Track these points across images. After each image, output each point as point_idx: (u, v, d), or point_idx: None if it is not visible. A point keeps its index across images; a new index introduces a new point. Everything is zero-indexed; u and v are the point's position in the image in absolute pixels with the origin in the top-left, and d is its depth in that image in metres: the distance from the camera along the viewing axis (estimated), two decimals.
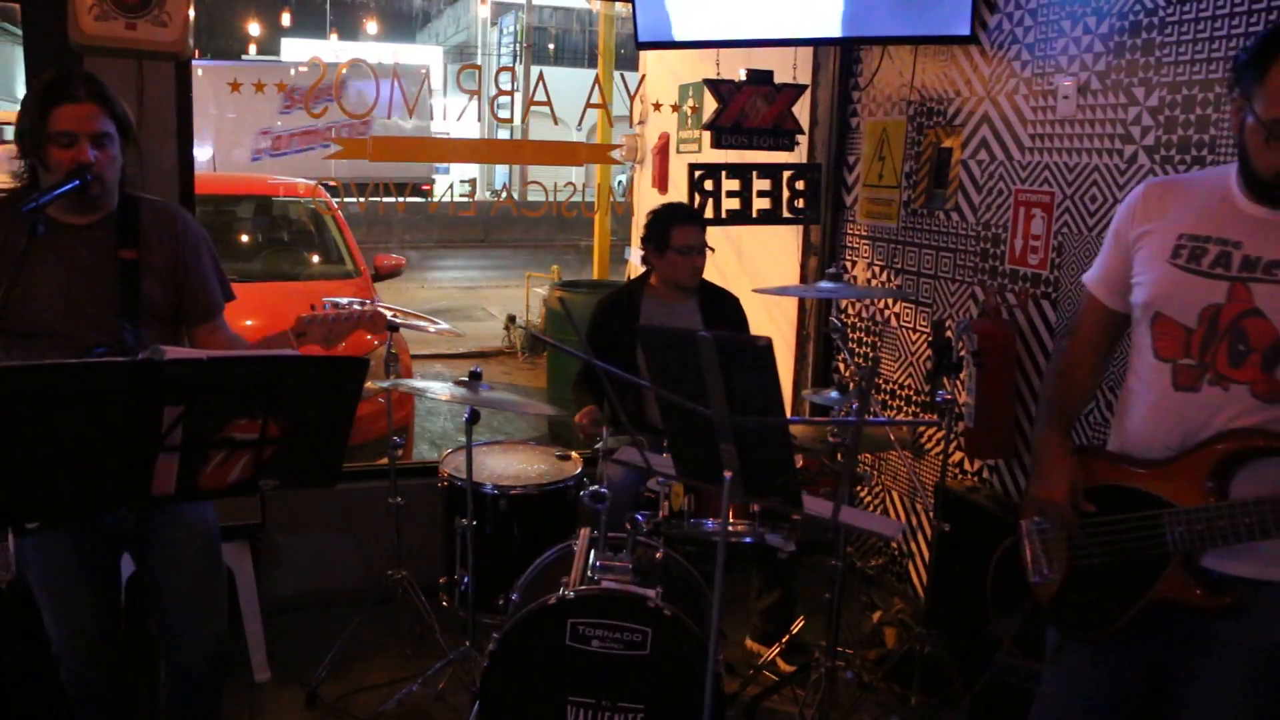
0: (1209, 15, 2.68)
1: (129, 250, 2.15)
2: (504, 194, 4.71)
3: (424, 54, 23.78)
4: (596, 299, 3.68)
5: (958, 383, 3.41)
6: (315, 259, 6.31)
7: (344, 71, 3.68)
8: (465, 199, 4.33)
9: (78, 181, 2.00)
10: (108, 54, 2.97)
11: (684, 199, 3.92)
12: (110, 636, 2.22)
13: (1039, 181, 3.25)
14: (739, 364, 1.77)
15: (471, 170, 18.18)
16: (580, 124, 4.33)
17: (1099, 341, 1.98)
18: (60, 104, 2.02)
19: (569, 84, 5.59)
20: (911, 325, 3.89)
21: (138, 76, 3.12)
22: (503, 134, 17.12)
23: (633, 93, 4.75)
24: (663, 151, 5.98)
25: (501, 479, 3.15)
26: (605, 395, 3.03)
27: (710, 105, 3.99)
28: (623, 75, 5.15)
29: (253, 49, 18.46)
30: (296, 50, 20.98)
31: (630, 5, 3.78)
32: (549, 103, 3.88)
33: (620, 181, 13.97)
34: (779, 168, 4.06)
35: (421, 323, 3.26)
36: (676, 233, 3.34)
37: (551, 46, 24.90)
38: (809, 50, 4.18)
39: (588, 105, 4.13)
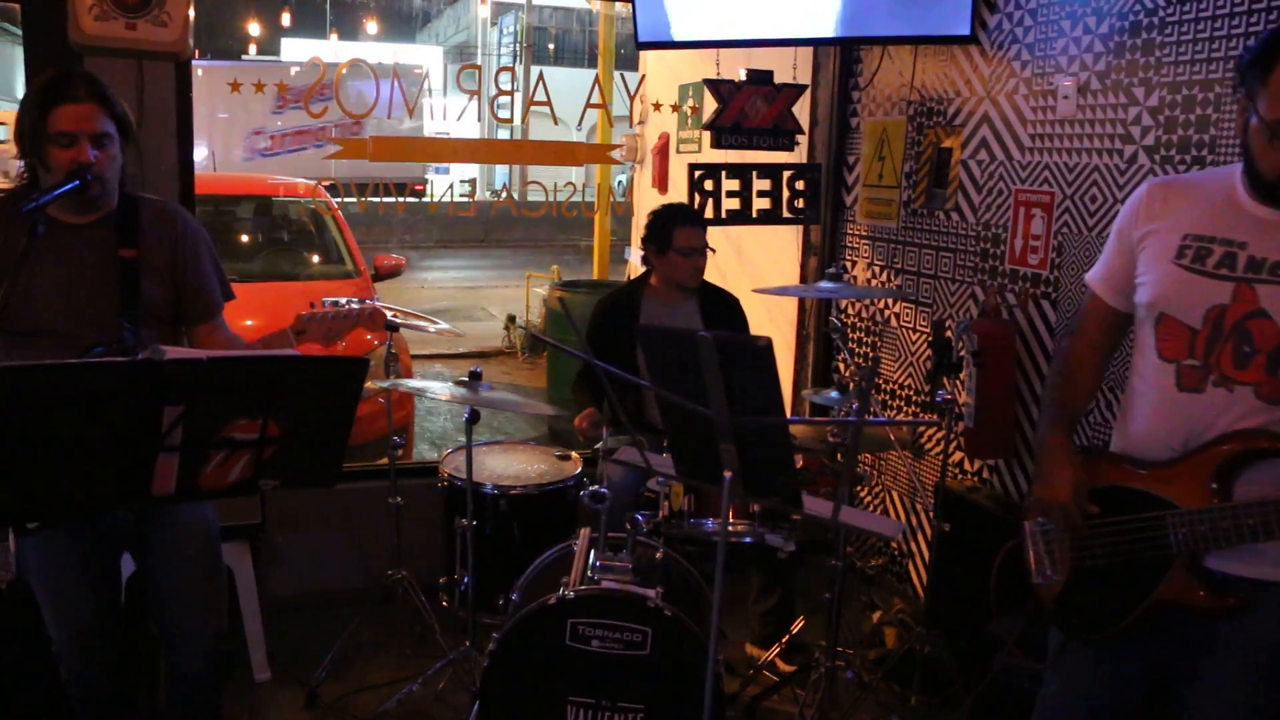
0: (1209, 15, 2.68)
1: (129, 250, 2.15)
2: (504, 194, 4.70)
3: (424, 54, 23.78)
4: (596, 299, 3.68)
5: (958, 383, 3.41)
6: (315, 259, 6.31)
7: (343, 72, 3.68)
8: (465, 199, 4.33)
9: (78, 181, 2.00)
10: (108, 54, 2.97)
11: (684, 199, 3.92)
12: (110, 636, 2.22)
13: (1039, 181, 3.25)
14: (739, 364, 1.77)
15: (471, 170, 18.18)
16: (580, 124, 4.33)
17: (1102, 341, 1.98)
18: (60, 104, 2.02)
19: (569, 84, 5.59)
20: (911, 325, 3.89)
21: (138, 76, 3.12)
22: (503, 134, 17.11)
23: (633, 93, 4.75)
24: (663, 151, 5.98)
25: (501, 479, 3.15)
26: (605, 395, 3.03)
27: (710, 105, 3.99)
28: (623, 75, 5.15)
29: (253, 49, 18.46)
30: (296, 50, 20.97)
31: (630, 5, 3.78)
32: (549, 103, 3.88)
33: (620, 181, 13.97)
34: (779, 168, 4.06)
35: (421, 323, 3.25)
36: (678, 234, 3.34)
37: (551, 46, 24.90)
38: (809, 50, 4.18)
39: (588, 105, 4.13)
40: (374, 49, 19.92)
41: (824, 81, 4.24)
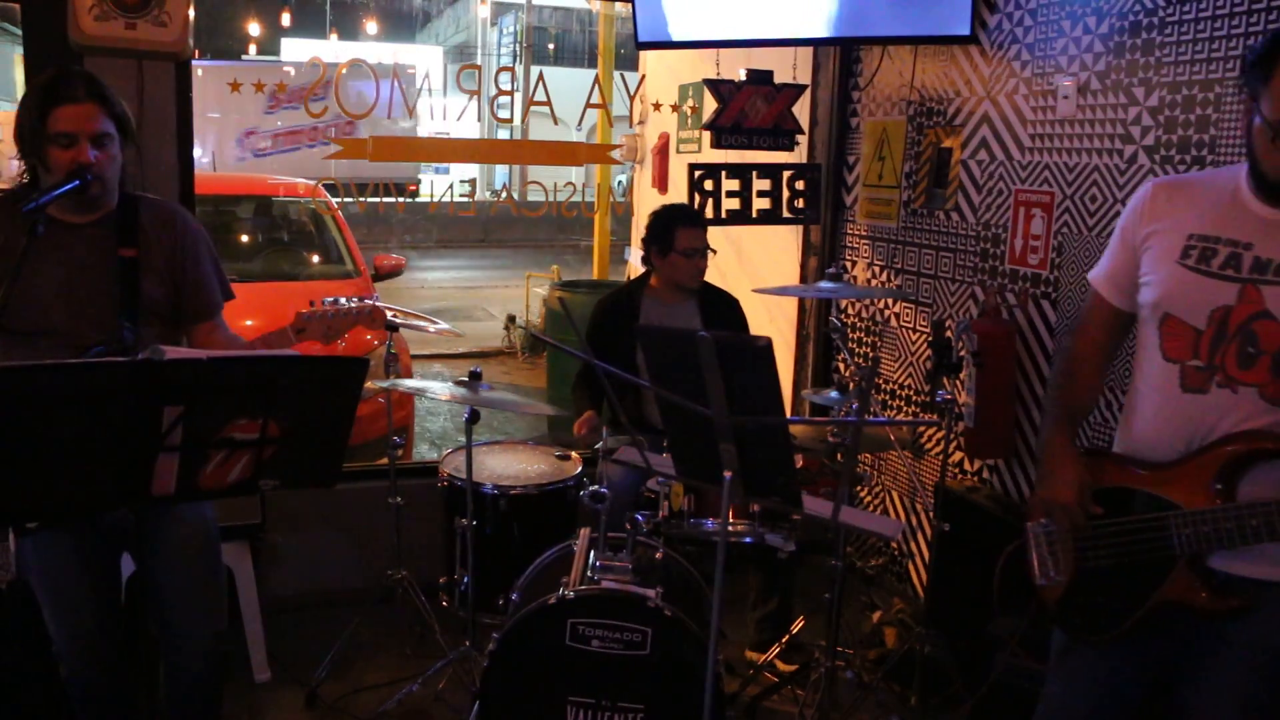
0: (1209, 15, 2.68)
1: (129, 249, 2.15)
2: (504, 194, 4.71)
3: (424, 54, 23.78)
4: (596, 299, 3.68)
5: (958, 383, 3.42)
6: (315, 259, 6.31)
7: (342, 72, 3.67)
8: (465, 199, 4.33)
9: (78, 181, 2.00)
10: (108, 54, 2.97)
11: (684, 199, 3.93)
12: (111, 636, 2.22)
13: (1039, 181, 3.25)
14: (739, 364, 1.77)
15: (471, 170, 18.18)
16: (580, 124, 4.33)
17: (1104, 340, 1.97)
18: (59, 104, 2.02)
19: (569, 84, 5.59)
20: (911, 325, 3.90)
21: (138, 76, 3.12)
22: (503, 134, 17.12)
23: (633, 93, 4.75)
24: (663, 151, 5.98)
25: (501, 479, 3.15)
26: (605, 395, 3.03)
27: (710, 105, 3.99)
28: (623, 75, 5.16)
29: (253, 49, 18.46)
30: (296, 50, 20.97)
31: (630, 5, 3.78)
32: (549, 103, 3.88)
33: (620, 181, 13.97)
34: (779, 168, 4.06)
35: (421, 323, 3.26)
36: (681, 235, 3.34)
37: (551, 46, 24.89)
38: (809, 50, 4.18)
39: (588, 105, 4.14)
40: (374, 49, 19.92)
41: (824, 81, 4.24)
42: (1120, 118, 2.95)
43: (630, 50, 5.34)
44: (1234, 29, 2.61)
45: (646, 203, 6.07)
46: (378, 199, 3.91)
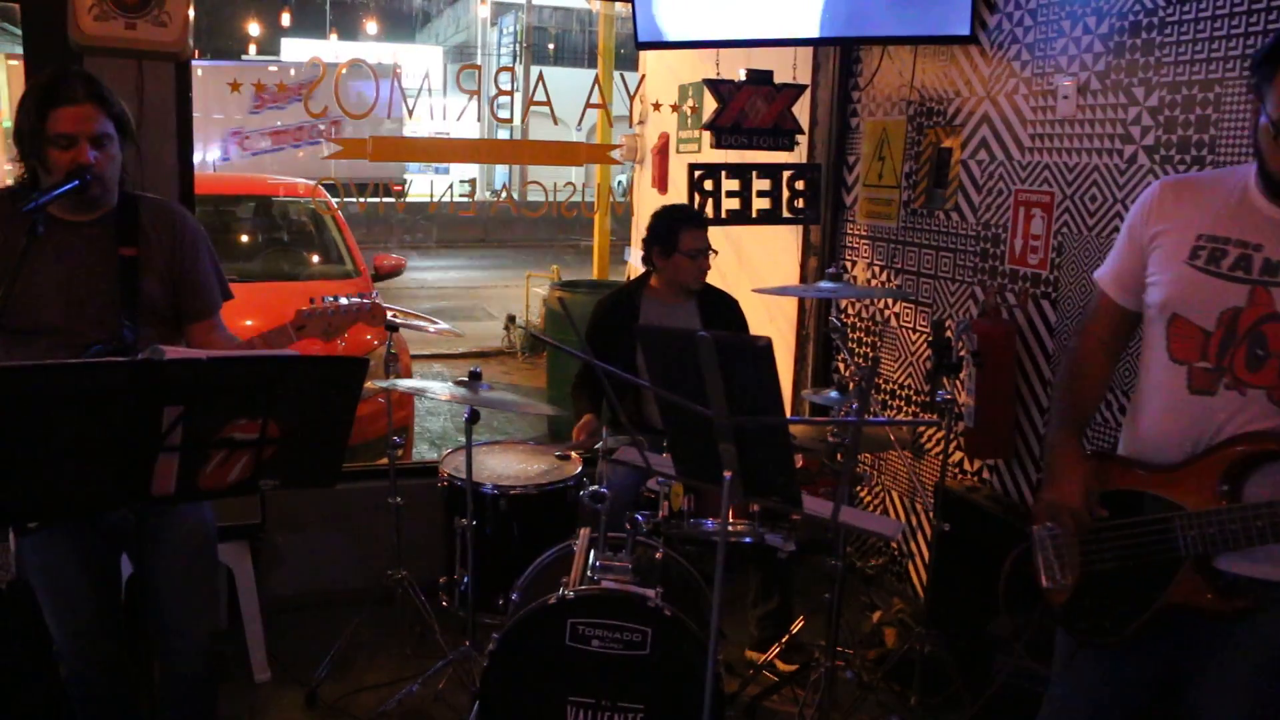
0: (1209, 15, 2.68)
1: (129, 248, 2.15)
2: (504, 194, 4.71)
3: (424, 54, 23.79)
4: (596, 299, 3.68)
5: (958, 383, 3.42)
6: (315, 259, 6.31)
7: (342, 72, 3.68)
8: (465, 199, 4.33)
9: (77, 182, 2.00)
10: (107, 54, 2.97)
11: (684, 199, 3.93)
12: (111, 635, 2.22)
13: (1039, 181, 3.25)
14: (739, 364, 1.77)
15: (471, 170, 18.19)
16: (580, 124, 4.33)
17: (1110, 340, 1.96)
18: (58, 106, 2.02)
19: (569, 84, 5.59)
20: (911, 325, 3.90)
21: (138, 76, 3.11)
22: (503, 134, 17.12)
23: (633, 93, 4.75)
24: (663, 151, 5.98)
25: (501, 479, 3.15)
26: (605, 395, 3.03)
27: (710, 105, 3.99)
28: (623, 75, 5.15)
29: (253, 49, 18.46)
30: (296, 50, 20.99)
31: (630, 5, 3.78)
32: (549, 103, 3.88)
33: (620, 181, 13.97)
34: (779, 168, 4.06)
35: (421, 323, 3.26)
36: (685, 236, 3.34)
37: (551, 46, 24.89)
38: (809, 50, 4.18)
39: (588, 105, 4.14)
40: (374, 49, 19.94)
41: (824, 81, 4.24)
42: (1120, 118, 2.95)
43: (630, 50, 5.34)
44: (1234, 29, 2.61)
45: (646, 203, 6.07)
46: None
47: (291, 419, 1.78)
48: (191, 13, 3.03)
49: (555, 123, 4.11)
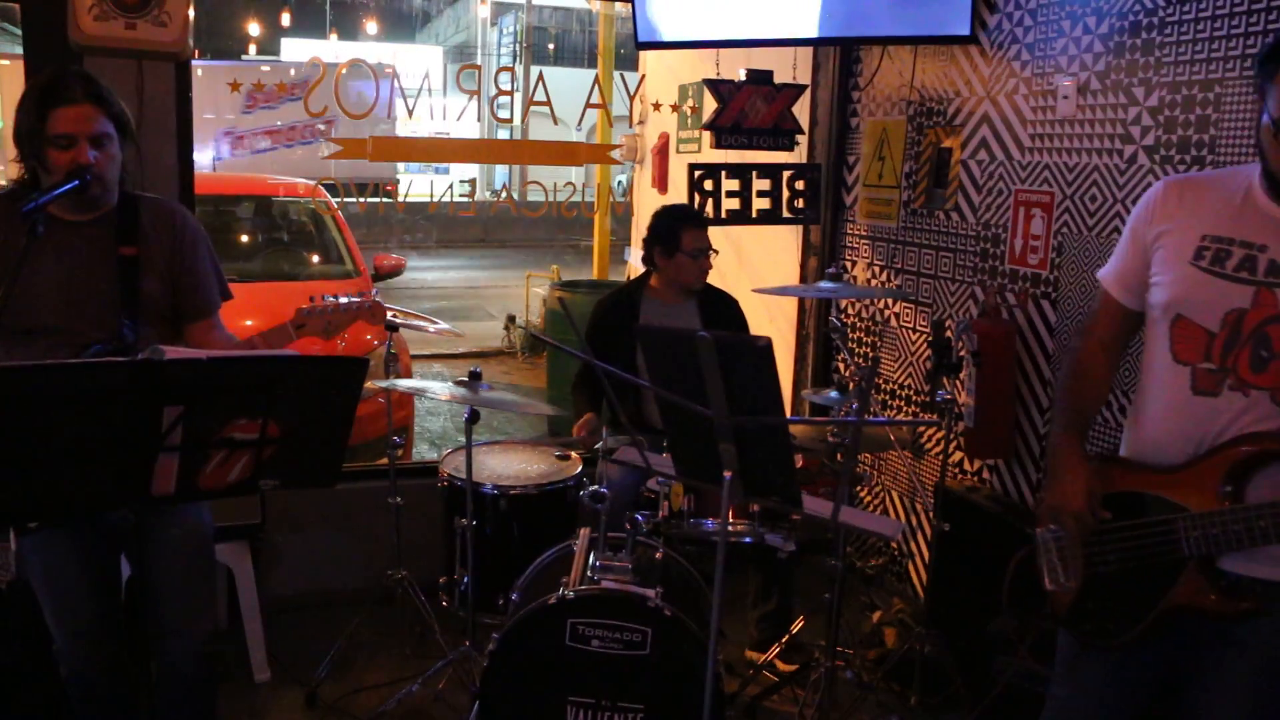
0: (1209, 15, 2.68)
1: (129, 247, 2.15)
2: (504, 194, 4.71)
3: (424, 54, 23.78)
4: (596, 299, 3.68)
5: (957, 383, 3.41)
6: (315, 259, 6.31)
7: (342, 73, 3.68)
8: (465, 199, 4.32)
9: (77, 182, 2.00)
10: (107, 54, 2.97)
11: (684, 199, 3.93)
12: (111, 635, 2.22)
13: (1039, 181, 3.25)
14: (739, 364, 1.77)
15: (471, 170, 18.19)
16: (580, 124, 4.33)
17: (1112, 340, 1.95)
18: (57, 106, 2.02)
19: (569, 84, 5.59)
20: (911, 325, 3.90)
21: (138, 76, 3.11)
22: (503, 134, 17.12)
23: (633, 93, 4.75)
24: (663, 151, 5.98)
25: (501, 479, 3.15)
26: (605, 395, 3.03)
27: (710, 105, 3.99)
28: (623, 75, 5.16)
29: (253, 49, 18.47)
30: (296, 50, 20.98)
31: (630, 5, 3.79)
32: (549, 103, 3.88)
33: (620, 181, 13.97)
34: (779, 168, 4.06)
35: (421, 323, 3.26)
36: (686, 235, 3.34)
37: (551, 46, 24.90)
38: (809, 50, 4.18)
39: (588, 105, 4.14)
40: (374, 49, 19.94)
41: (824, 81, 4.24)
42: (1120, 118, 2.95)
43: (630, 50, 5.34)
44: (1234, 29, 2.61)
45: (646, 203, 6.07)
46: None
47: (291, 419, 1.78)
48: (191, 13, 3.02)
49: (555, 123, 4.12)
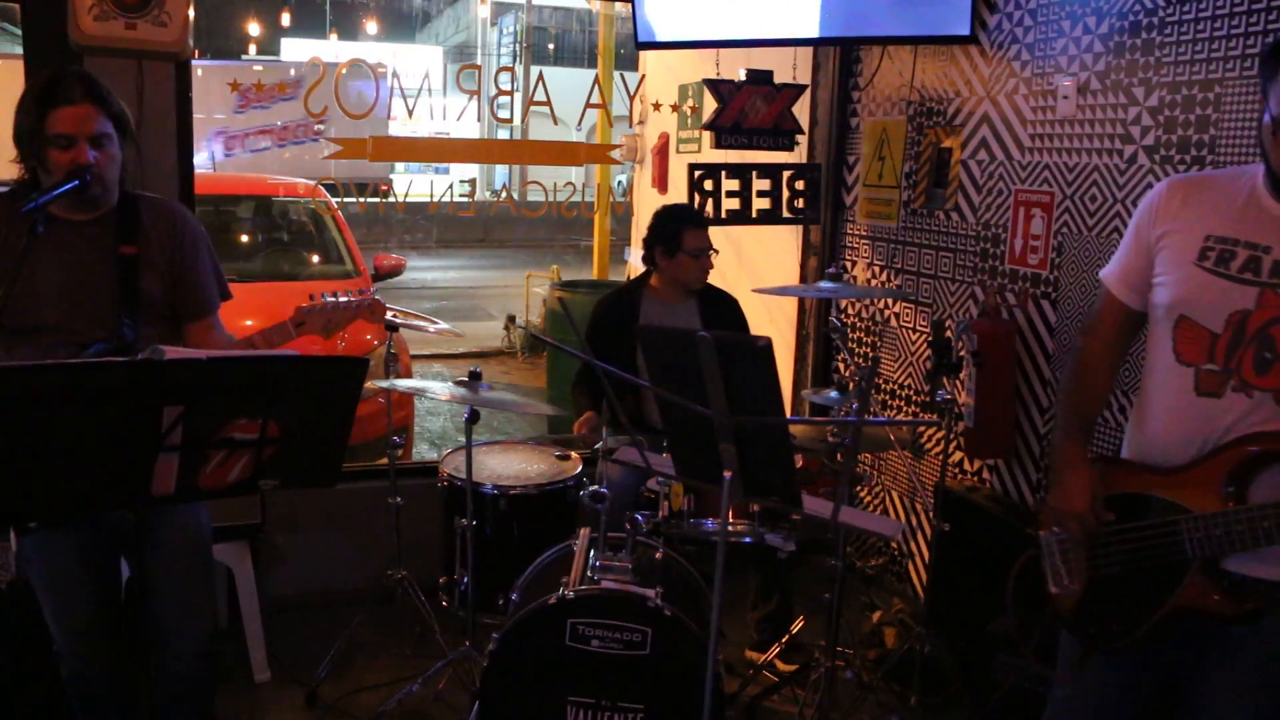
0: (1209, 15, 2.68)
1: (129, 246, 2.15)
2: (504, 194, 4.71)
3: (424, 54, 23.79)
4: (596, 299, 3.68)
5: (958, 383, 3.42)
6: (315, 259, 6.31)
7: (342, 72, 3.68)
8: (465, 199, 4.32)
9: (77, 182, 2.00)
10: (107, 54, 2.97)
11: (684, 199, 3.93)
12: (111, 636, 2.22)
13: (1039, 181, 3.25)
14: (739, 364, 1.77)
15: (471, 170, 18.19)
16: (580, 124, 4.33)
17: (1115, 340, 1.95)
18: (57, 106, 2.02)
19: (569, 84, 5.59)
20: (911, 325, 3.90)
21: (138, 76, 3.11)
22: (503, 134, 17.11)
23: (633, 93, 4.75)
24: (663, 151, 5.98)
25: (501, 479, 3.15)
26: (605, 395, 3.03)
27: (710, 105, 3.99)
28: (623, 75, 5.15)
29: (253, 49, 18.47)
30: (296, 50, 20.98)
31: (630, 5, 3.79)
32: (549, 103, 3.88)
33: (620, 181, 13.97)
34: (779, 168, 4.06)
35: (421, 323, 3.26)
36: (688, 235, 3.34)
37: (551, 46, 24.90)
38: (809, 50, 4.18)
39: (588, 105, 4.14)
40: (374, 49, 19.94)
41: (824, 81, 4.24)
42: (1120, 118, 2.95)
43: (630, 50, 5.34)
44: (1234, 29, 2.61)
45: (646, 203, 6.07)
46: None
47: (291, 419, 1.78)
48: (191, 13, 3.02)
49: (555, 123, 4.12)
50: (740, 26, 3.76)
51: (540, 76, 4.03)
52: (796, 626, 3.30)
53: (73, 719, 2.26)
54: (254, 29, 17.63)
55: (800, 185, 4.08)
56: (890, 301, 3.99)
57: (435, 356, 9.18)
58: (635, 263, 6.52)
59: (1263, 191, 1.72)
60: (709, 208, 3.93)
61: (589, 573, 2.51)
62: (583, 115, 4.13)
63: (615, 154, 5.21)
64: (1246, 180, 1.76)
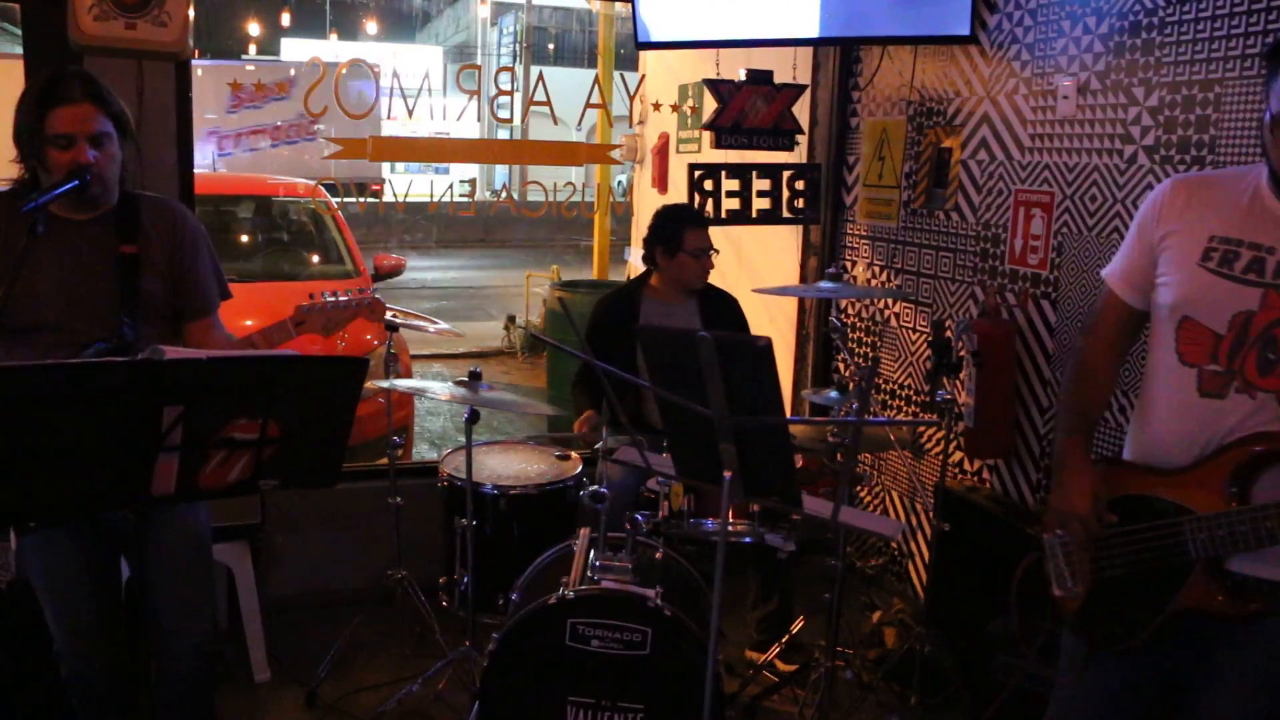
0: (1209, 15, 2.68)
1: (129, 245, 2.15)
2: (504, 194, 4.71)
3: (424, 54, 23.79)
4: (596, 299, 3.68)
5: (957, 383, 3.42)
6: (315, 259, 6.31)
7: (342, 72, 3.68)
8: (465, 199, 4.32)
9: (77, 182, 2.00)
10: (107, 54, 2.97)
11: (684, 199, 3.93)
12: (111, 636, 2.22)
13: (1039, 181, 3.25)
14: (739, 364, 1.77)
15: (471, 170, 18.18)
16: (580, 124, 4.33)
17: (1117, 339, 1.94)
18: (56, 106, 2.02)
19: (569, 84, 5.59)
20: (911, 325, 3.90)
21: (138, 76, 3.12)
22: (503, 134, 17.11)
23: (633, 93, 4.75)
24: (663, 151, 5.98)
25: (501, 479, 3.15)
26: (605, 395, 3.03)
27: (710, 105, 3.99)
28: (623, 75, 5.16)
29: (253, 49, 18.46)
30: (296, 50, 20.98)
31: (630, 5, 3.79)
32: (549, 103, 3.88)
33: (620, 181, 13.97)
34: (779, 168, 4.06)
35: (421, 323, 3.26)
36: (689, 235, 3.34)
37: (551, 46, 24.90)
38: (809, 50, 4.18)
39: (588, 105, 4.14)
40: (374, 49, 19.93)
41: (824, 81, 4.24)
42: (1120, 118, 2.95)
43: (630, 50, 5.34)
44: (1234, 29, 2.61)
45: (646, 203, 6.07)
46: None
47: (291, 419, 1.78)
48: (191, 13, 3.02)
49: (555, 123, 4.11)
50: (740, 26, 3.76)
51: (540, 76, 4.03)
52: (796, 626, 3.30)
53: (73, 719, 2.26)
54: (254, 29, 17.62)
55: (800, 185, 4.08)
56: (890, 301, 3.99)
57: (435, 356, 9.18)
58: (635, 263, 6.52)
59: (1266, 192, 1.72)
60: (709, 208, 3.93)
61: (589, 573, 2.51)
62: (583, 115, 4.13)
63: (615, 154, 5.21)
64: (1250, 180, 1.75)
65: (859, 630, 3.52)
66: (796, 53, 4.06)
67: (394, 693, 3.09)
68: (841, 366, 4.29)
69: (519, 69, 18.48)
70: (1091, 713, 1.93)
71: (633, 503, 2.96)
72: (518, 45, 23.59)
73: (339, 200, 6.46)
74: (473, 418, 2.92)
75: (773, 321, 4.55)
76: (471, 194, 4.78)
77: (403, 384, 3.20)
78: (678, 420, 1.97)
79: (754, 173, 4.02)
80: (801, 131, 4.09)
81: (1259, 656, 1.72)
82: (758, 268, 4.74)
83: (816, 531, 3.21)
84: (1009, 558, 2.12)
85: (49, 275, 2.07)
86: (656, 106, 5.13)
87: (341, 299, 2.39)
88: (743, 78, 3.90)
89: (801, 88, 4.03)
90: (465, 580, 3.05)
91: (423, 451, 6.48)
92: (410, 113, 3.81)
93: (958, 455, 3.58)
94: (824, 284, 3.16)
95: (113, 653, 2.22)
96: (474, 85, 3.89)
